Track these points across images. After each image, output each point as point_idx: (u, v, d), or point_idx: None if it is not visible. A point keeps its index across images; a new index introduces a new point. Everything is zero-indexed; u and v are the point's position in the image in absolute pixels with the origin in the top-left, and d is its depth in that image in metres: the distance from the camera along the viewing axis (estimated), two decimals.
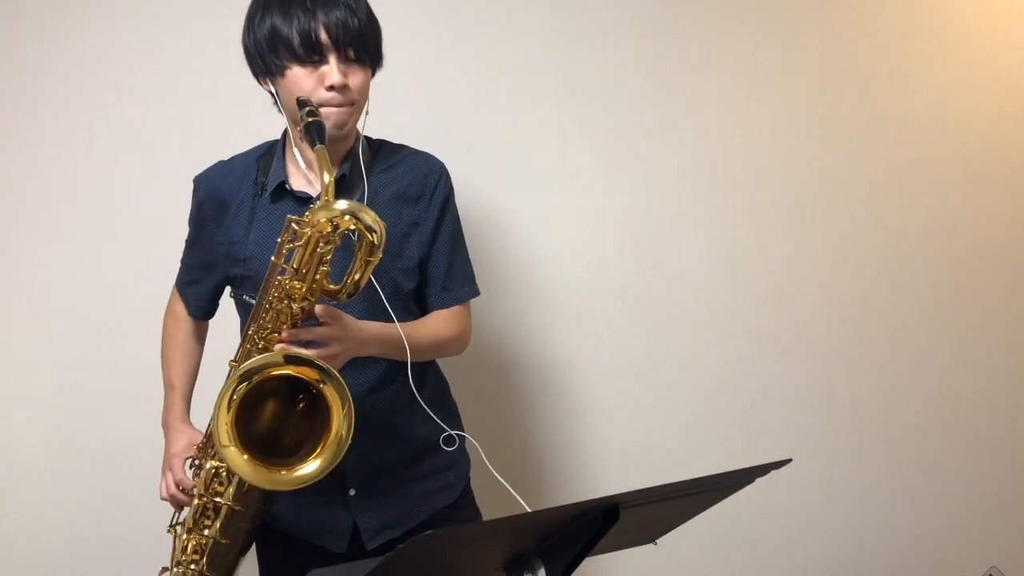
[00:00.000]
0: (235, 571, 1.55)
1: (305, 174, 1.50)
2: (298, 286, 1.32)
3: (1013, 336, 2.48)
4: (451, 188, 1.61)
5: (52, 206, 2.08)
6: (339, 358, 1.38)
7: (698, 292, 2.33)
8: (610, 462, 2.34)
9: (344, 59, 1.41)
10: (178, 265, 2.10)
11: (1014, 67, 2.43)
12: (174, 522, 1.60)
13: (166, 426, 1.65)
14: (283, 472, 1.30)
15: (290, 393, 1.37)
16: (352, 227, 1.27)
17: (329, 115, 1.41)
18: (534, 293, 2.27)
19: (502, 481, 1.57)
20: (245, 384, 1.28)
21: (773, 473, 1.25)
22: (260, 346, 1.38)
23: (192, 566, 1.49)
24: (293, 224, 1.32)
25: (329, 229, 1.27)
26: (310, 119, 1.33)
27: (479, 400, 2.25)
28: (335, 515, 1.56)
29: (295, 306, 1.34)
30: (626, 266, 2.30)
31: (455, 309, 1.61)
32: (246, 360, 1.33)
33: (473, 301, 1.68)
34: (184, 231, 2.09)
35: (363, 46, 1.43)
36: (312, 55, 1.39)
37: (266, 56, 1.42)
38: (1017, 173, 2.45)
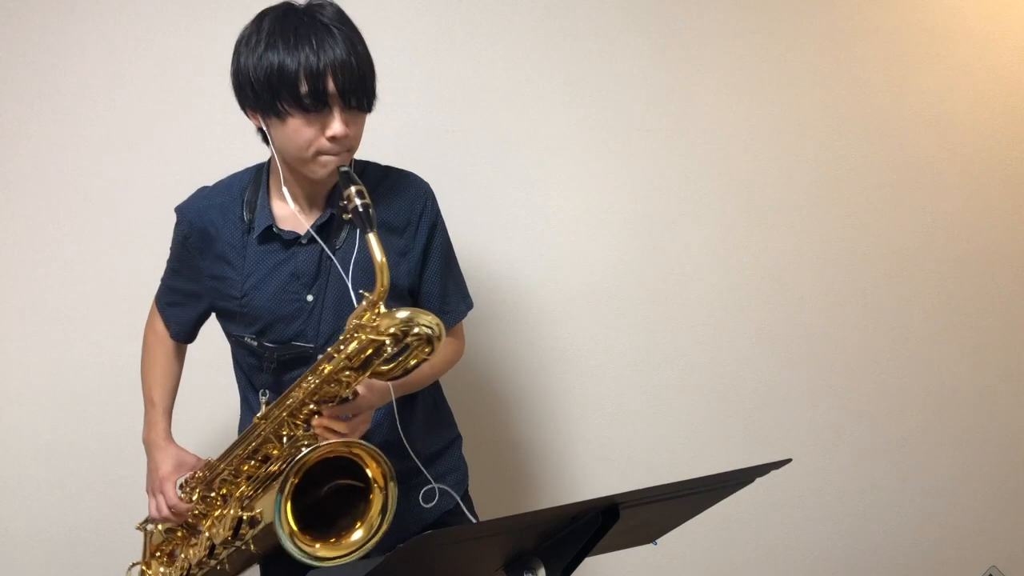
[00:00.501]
0: None
1: (293, 213, 1.47)
2: (349, 375, 1.34)
3: (1013, 336, 2.48)
4: (437, 210, 1.59)
5: (52, 206, 2.08)
6: (369, 418, 1.43)
7: (698, 292, 2.33)
8: (610, 462, 2.34)
9: (346, 108, 1.38)
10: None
11: (1014, 67, 2.43)
12: (145, 521, 1.63)
13: (149, 444, 1.62)
14: (327, 547, 1.35)
15: (330, 467, 1.38)
16: (417, 334, 1.28)
17: (327, 163, 1.39)
18: (533, 293, 2.27)
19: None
20: (300, 472, 1.33)
21: (773, 473, 1.25)
22: (299, 420, 1.39)
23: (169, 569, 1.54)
24: (355, 322, 1.31)
25: (391, 336, 1.28)
26: (360, 203, 1.28)
27: (479, 400, 2.26)
28: None
29: (341, 390, 1.36)
30: (626, 266, 2.30)
31: (454, 329, 1.63)
32: (274, 419, 1.39)
33: (473, 301, 1.68)
34: None
35: (364, 93, 1.39)
36: (318, 106, 1.35)
37: (263, 95, 1.36)
38: (1017, 173, 2.45)
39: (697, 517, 1.36)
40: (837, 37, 2.34)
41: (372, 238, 1.26)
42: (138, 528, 1.67)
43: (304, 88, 1.33)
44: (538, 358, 2.27)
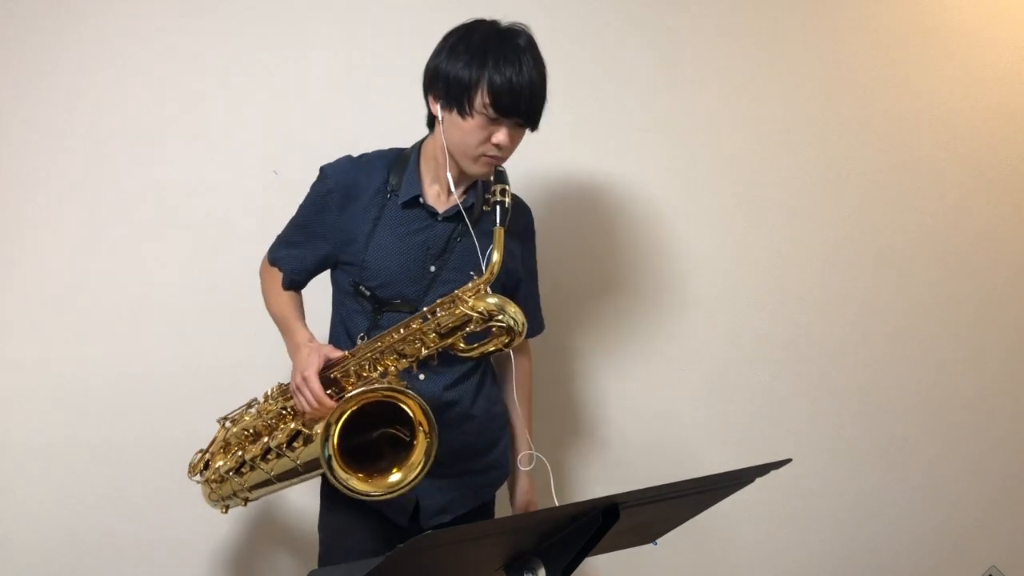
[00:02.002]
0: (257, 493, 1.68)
1: (438, 192, 1.65)
2: (434, 339, 1.52)
3: (1013, 335, 2.48)
4: (535, 233, 1.84)
5: (52, 206, 2.08)
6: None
7: (698, 292, 2.33)
8: (610, 462, 2.34)
9: (517, 124, 1.57)
10: (178, 267, 2.11)
11: (1014, 67, 2.43)
12: (225, 417, 1.75)
13: (293, 348, 1.66)
14: (362, 481, 1.48)
15: (386, 413, 1.51)
16: (501, 321, 1.48)
17: (486, 164, 1.58)
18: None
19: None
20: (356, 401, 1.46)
21: (773, 473, 1.25)
22: (380, 364, 1.54)
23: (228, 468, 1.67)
24: (455, 293, 1.51)
25: (482, 315, 1.48)
26: (501, 200, 1.51)
27: None
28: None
29: (423, 350, 1.53)
30: (625, 266, 2.30)
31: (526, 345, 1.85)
32: (359, 356, 1.54)
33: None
34: (184, 232, 2.10)
35: (537, 116, 1.59)
36: (501, 116, 1.53)
37: (457, 94, 1.54)
38: (1017, 173, 2.46)
39: (697, 517, 1.36)
40: (837, 37, 2.34)
41: (499, 232, 1.48)
42: (217, 422, 1.75)
43: (496, 101, 1.52)
44: (537, 358, 2.27)
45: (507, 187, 1.53)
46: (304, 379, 1.53)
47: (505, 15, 2.20)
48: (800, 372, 2.39)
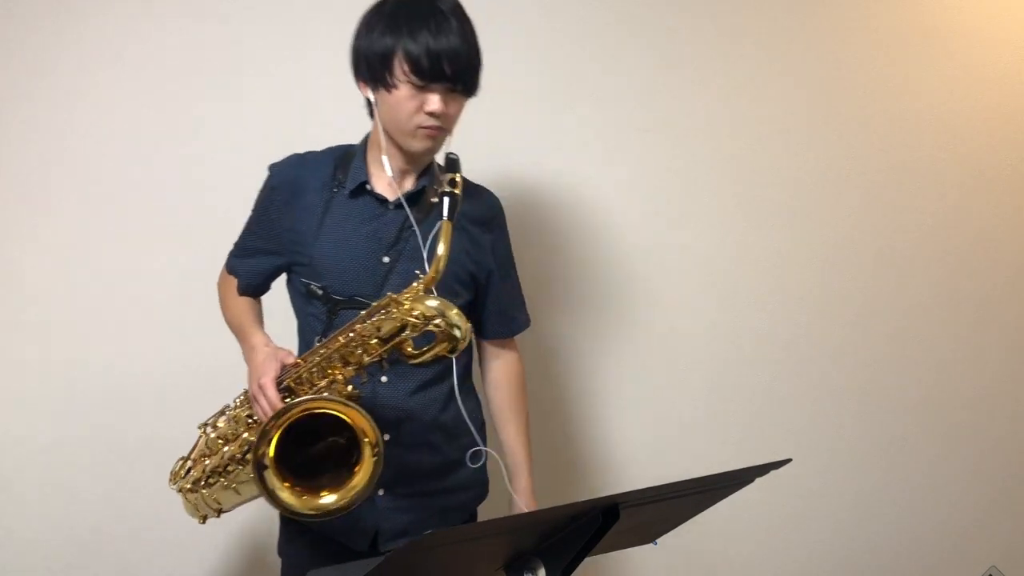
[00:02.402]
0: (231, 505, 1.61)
1: (389, 181, 1.57)
2: (376, 344, 1.42)
3: (1013, 335, 2.48)
4: (506, 224, 1.74)
5: (52, 206, 2.08)
6: None
7: (698, 292, 2.33)
8: (610, 462, 2.34)
9: (449, 90, 1.48)
10: (178, 267, 2.11)
11: (1014, 67, 2.43)
12: (205, 423, 1.66)
13: (249, 353, 1.59)
14: (292, 494, 1.39)
15: (330, 426, 1.41)
16: (439, 326, 1.37)
17: (424, 137, 1.50)
18: (532, 294, 2.26)
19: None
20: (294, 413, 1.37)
21: (773, 473, 1.25)
22: (327, 371, 1.45)
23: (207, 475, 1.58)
24: (391, 296, 1.41)
25: (418, 320, 1.38)
26: (449, 191, 1.40)
27: None
28: (362, 514, 1.56)
29: (365, 357, 1.43)
30: (625, 266, 2.30)
31: (513, 341, 1.78)
32: (308, 364, 1.45)
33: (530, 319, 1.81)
34: (184, 232, 2.11)
35: (469, 79, 1.51)
36: (425, 81, 1.45)
37: (378, 68, 1.48)
38: (1017, 173, 2.46)
39: (697, 517, 1.36)
40: (837, 37, 2.34)
41: (446, 225, 1.37)
42: (198, 428, 1.69)
43: (416, 64, 1.44)
44: (537, 358, 2.27)
45: (456, 176, 1.42)
46: (260, 387, 1.46)
47: (505, 15, 2.19)
48: (800, 372, 2.39)
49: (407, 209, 1.53)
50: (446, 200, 1.39)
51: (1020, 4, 2.42)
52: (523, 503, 1.71)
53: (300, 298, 1.62)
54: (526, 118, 2.22)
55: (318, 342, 1.52)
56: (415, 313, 1.37)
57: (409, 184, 1.58)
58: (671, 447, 2.35)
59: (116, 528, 2.14)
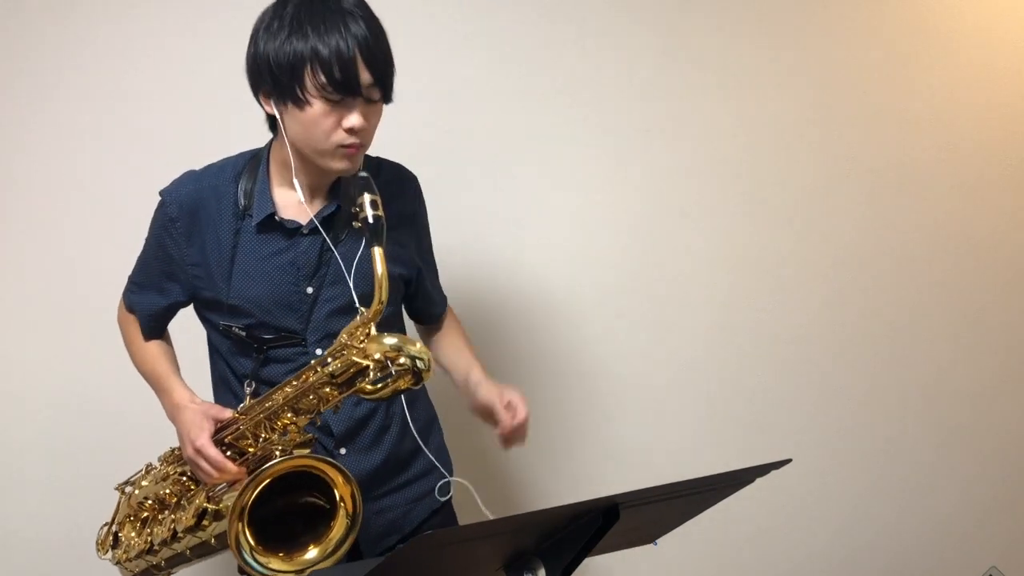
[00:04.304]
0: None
1: (296, 202, 1.42)
2: (331, 392, 1.33)
3: (1013, 335, 2.48)
4: (425, 210, 1.61)
5: (52, 206, 2.08)
6: None
7: (698, 292, 2.33)
8: (610, 462, 2.34)
9: (368, 100, 1.35)
10: None
11: (1014, 67, 2.43)
12: (124, 483, 1.60)
13: (174, 410, 1.49)
14: (277, 559, 1.33)
15: (301, 480, 1.36)
16: (403, 364, 1.26)
17: (345, 156, 1.36)
18: (532, 294, 2.27)
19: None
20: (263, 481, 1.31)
21: (773, 473, 1.25)
22: (276, 424, 1.37)
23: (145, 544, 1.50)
24: (343, 338, 1.30)
25: (379, 361, 1.26)
26: (373, 215, 1.26)
27: None
28: None
29: (322, 405, 1.34)
30: (626, 267, 2.30)
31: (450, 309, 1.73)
32: (253, 417, 1.38)
33: (472, 300, 1.70)
34: None
35: (388, 83, 1.36)
36: (343, 95, 1.31)
37: (283, 81, 1.31)
38: (1017, 173, 2.45)
39: (697, 517, 1.36)
40: (837, 37, 2.34)
41: (378, 252, 1.25)
42: (116, 489, 1.64)
43: (330, 76, 1.28)
44: (537, 358, 2.27)
45: (374, 198, 1.27)
46: (197, 450, 1.37)
47: (505, 15, 2.19)
48: (800, 372, 2.39)
49: (324, 235, 1.41)
50: (370, 227, 1.26)
51: (1020, 4, 2.42)
52: (487, 387, 1.55)
53: (218, 334, 1.50)
54: (526, 118, 2.22)
55: (247, 387, 1.45)
56: (374, 356, 1.26)
57: (319, 202, 1.44)
58: (671, 447, 2.35)
59: None
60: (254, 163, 1.46)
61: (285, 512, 1.37)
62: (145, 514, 1.55)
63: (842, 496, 2.44)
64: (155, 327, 1.59)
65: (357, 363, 1.27)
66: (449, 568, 1.13)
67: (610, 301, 2.30)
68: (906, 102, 2.38)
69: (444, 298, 1.72)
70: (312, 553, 1.34)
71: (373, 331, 1.27)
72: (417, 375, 1.26)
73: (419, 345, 1.27)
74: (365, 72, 1.30)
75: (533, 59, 2.21)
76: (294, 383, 1.35)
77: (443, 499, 1.54)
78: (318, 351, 1.44)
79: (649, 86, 2.27)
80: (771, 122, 2.33)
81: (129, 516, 1.58)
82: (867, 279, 2.40)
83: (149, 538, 1.49)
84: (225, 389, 1.56)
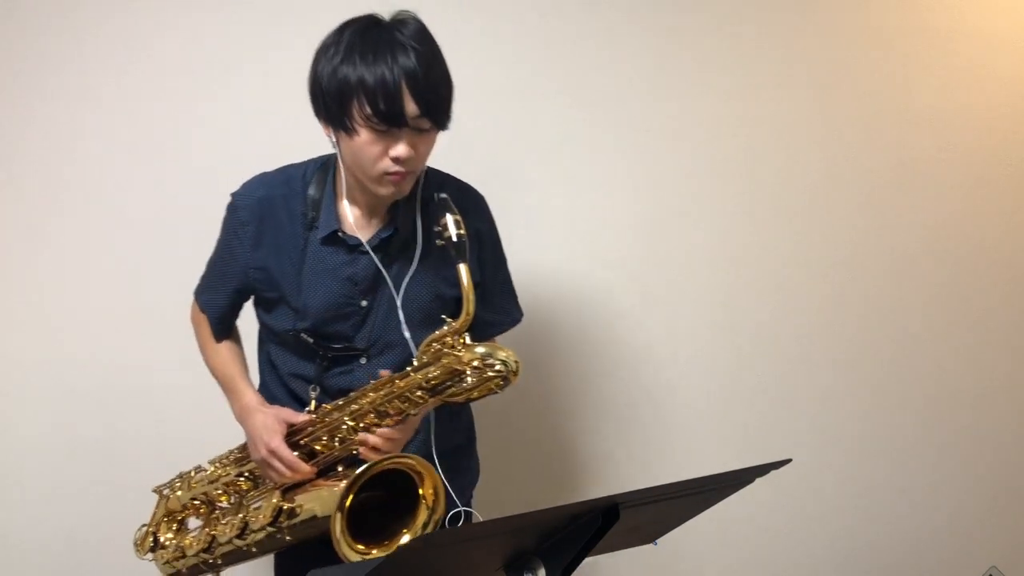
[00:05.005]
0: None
1: (356, 219, 1.50)
2: (422, 396, 1.39)
3: (1013, 336, 2.48)
4: (495, 229, 1.65)
5: (52, 206, 2.08)
6: (408, 438, 1.50)
7: (698, 292, 2.33)
8: (610, 462, 2.34)
9: (416, 130, 1.38)
10: (178, 267, 2.10)
11: (1014, 67, 2.43)
12: (163, 486, 1.65)
13: (245, 413, 1.55)
14: (382, 548, 1.40)
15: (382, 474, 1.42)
16: (498, 369, 1.33)
17: (391, 183, 1.41)
18: (532, 294, 2.26)
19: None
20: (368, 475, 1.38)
21: (773, 473, 1.25)
22: (359, 426, 1.44)
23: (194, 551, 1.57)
24: (444, 338, 1.37)
25: (472, 368, 1.34)
26: (456, 234, 1.34)
27: (478, 401, 2.25)
28: None
29: (409, 408, 1.41)
30: (626, 266, 2.30)
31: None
32: (332, 420, 1.45)
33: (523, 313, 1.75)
34: (184, 232, 2.10)
35: (436, 113, 1.39)
36: (388, 127, 1.35)
37: (334, 108, 1.37)
38: (1017, 173, 2.45)
39: (697, 517, 1.36)
40: (837, 37, 2.34)
41: (463, 269, 1.33)
42: (154, 491, 1.69)
43: (375, 107, 1.33)
44: (537, 358, 2.27)
45: (457, 218, 1.34)
46: (272, 451, 1.44)
47: (505, 15, 2.19)
48: (800, 372, 2.39)
49: (375, 258, 1.48)
50: (453, 246, 1.34)
51: (1020, 4, 2.42)
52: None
53: (273, 334, 1.57)
54: (526, 118, 2.22)
55: (312, 391, 1.52)
56: (472, 363, 1.34)
57: (376, 223, 1.51)
58: (671, 447, 2.35)
59: (116, 528, 2.14)
60: (322, 173, 1.52)
61: (366, 506, 1.43)
62: (189, 513, 1.62)
63: (842, 496, 2.44)
64: (223, 327, 1.65)
65: (456, 369, 1.35)
66: (449, 568, 1.13)
67: (609, 301, 2.30)
68: (906, 102, 2.38)
69: (498, 322, 1.67)
70: (405, 538, 1.41)
71: (468, 339, 1.35)
72: (505, 379, 1.34)
73: (507, 352, 1.34)
74: (411, 104, 1.34)
75: (533, 59, 2.21)
76: (382, 389, 1.41)
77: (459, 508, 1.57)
78: (362, 360, 1.53)
79: (650, 86, 2.27)
80: (771, 122, 2.33)
81: (169, 516, 1.65)
82: (867, 279, 2.40)
83: (212, 534, 1.54)
84: (282, 391, 1.61)
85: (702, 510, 1.34)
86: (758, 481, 1.27)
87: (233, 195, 1.55)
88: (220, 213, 2.09)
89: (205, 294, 1.64)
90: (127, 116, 2.08)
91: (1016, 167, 2.45)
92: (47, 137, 2.07)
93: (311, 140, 2.05)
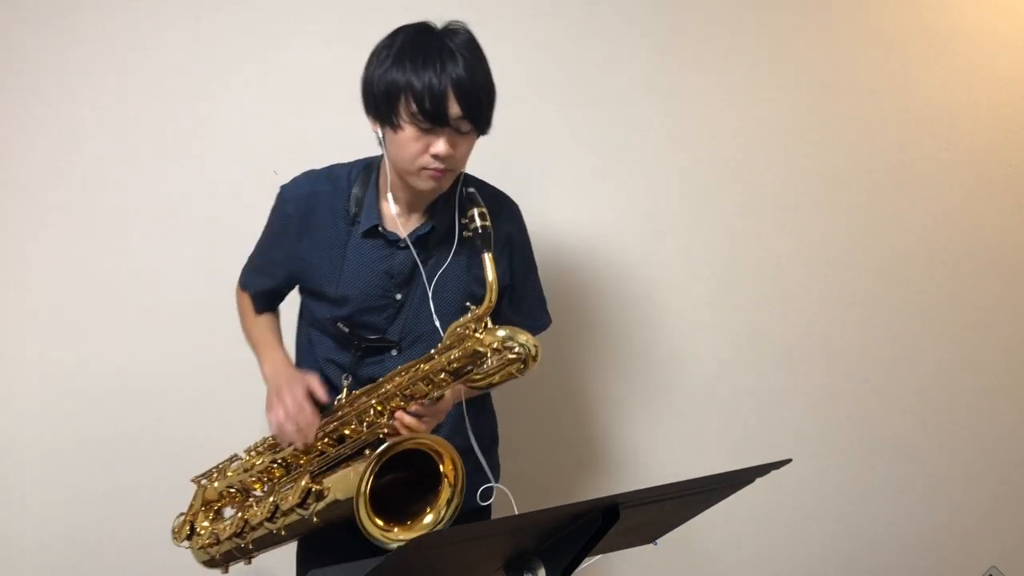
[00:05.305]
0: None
1: (395, 216, 1.58)
2: (444, 379, 1.45)
3: (1012, 336, 2.48)
4: (525, 234, 1.73)
5: (52, 206, 2.08)
6: (440, 420, 1.57)
7: (698, 292, 2.33)
8: (610, 462, 2.34)
9: (456, 131, 1.47)
10: (178, 267, 2.11)
11: (1014, 67, 2.43)
12: (201, 475, 1.70)
13: (276, 368, 1.64)
14: (398, 530, 1.45)
15: (404, 455, 1.47)
16: (517, 352, 1.40)
17: (430, 178, 1.50)
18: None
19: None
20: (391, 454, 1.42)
21: (773, 473, 1.25)
22: (386, 409, 1.50)
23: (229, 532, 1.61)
24: (467, 324, 1.44)
25: (492, 350, 1.41)
26: (481, 225, 1.42)
27: None
28: None
29: (432, 390, 1.47)
30: (626, 266, 2.30)
31: None
32: (360, 405, 1.51)
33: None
34: (184, 231, 2.11)
35: (476, 118, 1.48)
36: (431, 124, 1.44)
37: (382, 106, 1.47)
38: (1017, 173, 2.45)
39: (697, 517, 1.36)
40: (837, 37, 2.34)
41: (487, 258, 1.41)
42: (192, 481, 1.71)
43: (421, 107, 1.42)
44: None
45: (482, 210, 1.43)
46: (292, 400, 1.52)
47: (505, 15, 2.19)
48: (800, 372, 2.39)
49: (413, 251, 1.56)
50: (480, 236, 1.42)
51: (1020, 4, 2.42)
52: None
53: (312, 321, 1.66)
54: (525, 118, 2.22)
55: (345, 380, 1.58)
56: (493, 345, 1.40)
57: (416, 219, 1.60)
58: (671, 447, 2.35)
59: (116, 528, 2.14)
60: (366, 173, 1.62)
61: (389, 487, 1.47)
62: (225, 502, 1.67)
63: (842, 496, 2.44)
64: (265, 305, 1.74)
65: (478, 351, 1.41)
66: (449, 568, 1.13)
67: (609, 301, 2.30)
68: (906, 102, 2.38)
69: (527, 326, 1.67)
70: (429, 518, 1.46)
71: (490, 323, 1.42)
72: (524, 362, 1.41)
73: (527, 336, 1.42)
74: (455, 106, 1.44)
75: (532, 59, 2.21)
76: (405, 373, 1.48)
77: (483, 504, 1.60)
78: (394, 352, 1.60)
79: (649, 87, 2.27)
80: (771, 122, 2.33)
81: (205, 505, 1.69)
82: (867, 279, 2.40)
83: (244, 519, 1.59)
84: (309, 368, 1.67)
85: (702, 510, 1.34)
86: (758, 481, 1.27)
87: (282, 188, 1.65)
88: (220, 213, 2.11)
89: (248, 274, 1.74)
90: (127, 116, 2.08)
91: (1016, 167, 2.45)
92: (47, 137, 2.07)
93: (311, 140, 2.06)
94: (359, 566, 1.33)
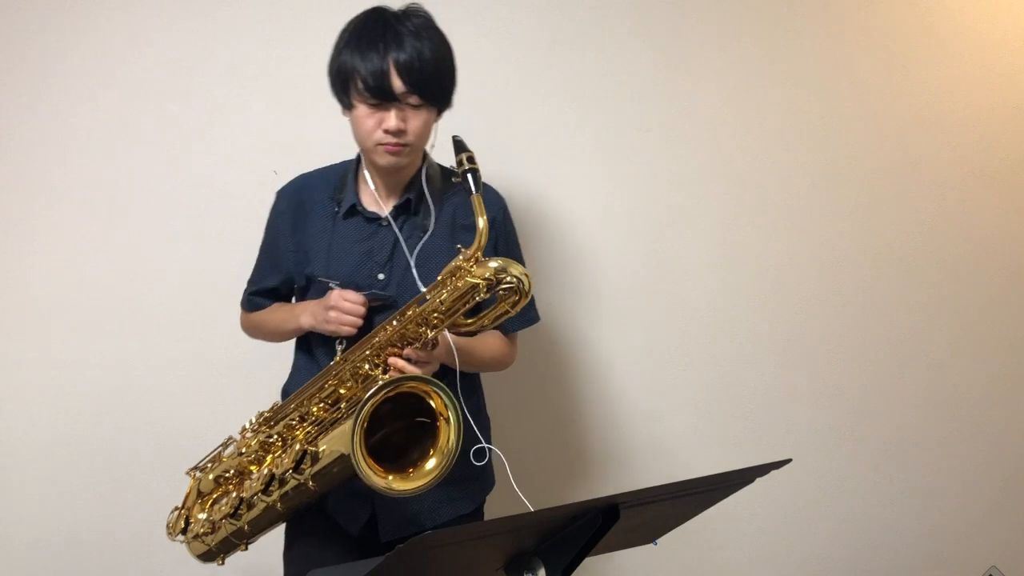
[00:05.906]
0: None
1: (374, 195, 1.64)
2: (438, 317, 1.48)
3: (1012, 335, 2.48)
4: (509, 221, 1.75)
5: (52, 206, 2.08)
6: (435, 368, 1.57)
7: (698, 292, 2.33)
8: (610, 462, 2.34)
9: (407, 105, 1.53)
10: (178, 267, 2.11)
11: (1014, 67, 2.43)
12: (195, 467, 1.68)
13: (305, 305, 1.66)
14: (402, 478, 1.42)
15: (394, 408, 1.45)
16: (508, 283, 1.44)
17: (386, 153, 1.56)
18: (533, 294, 2.26)
19: (523, 499, 1.62)
20: (381, 396, 1.39)
21: (773, 473, 1.25)
22: (378, 359, 1.51)
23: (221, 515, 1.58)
24: (458, 263, 1.46)
25: (485, 280, 1.44)
26: (471, 167, 1.48)
27: None
28: (358, 502, 1.62)
29: (423, 330, 1.49)
30: (626, 266, 2.30)
31: (512, 336, 1.76)
32: (353, 359, 1.51)
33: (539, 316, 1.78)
34: (184, 232, 2.11)
35: (427, 92, 1.53)
36: (378, 100, 1.51)
37: (337, 87, 1.57)
38: (1017, 173, 2.45)
39: (697, 517, 1.36)
40: (837, 37, 2.34)
41: (478, 199, 1.46)
42: (187, 473, 1.70)
43: (366, 84, 1.50)
44: (537, 359, 2.27)
45: (470, 154, 1.49)
46: (342, 295, 1.53)
47: (504, 15, 2.19)
48: (800, 372, 2.39)
49: (394, 226, 1.61)
50: (470, 176, 1.47)
51: (1020, 4, 2.42)
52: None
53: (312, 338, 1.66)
54: (525, 117, 2.22)
55: (339, 344, 1.57)
56: (485, 276, 1.43)
57: (394, 200, 1.64)
58: (671, 447, 2.35)
59: (116, 527, 2.14)
60: (356, 164, 1.68)
61: (390, 439, 1.46)
62: (221, 490, 1.63)
63: (842, 496, 2.44)
64: (261, 303, 1.78)
65: (472, 284, 1.43)
66: (449, 568, 1.13)
67: (609, 301, 2.30)
68: (906, 102, 2.38)
69: (528, 317, 1.75)
70: (432, 462, 1.43)
71: (481, 257, 1.45)
72: (518, 293, 1.45)
73: (520, 267, 1.46)
74: (397, 81, 1.50)
75: (532, 59, 2.21)
76: (396, 320, 1.50)
77: (478, 464, 1.61)
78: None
79: (649, 87, 2.27)
80: (771, 122, 2.33)
81: (200, 498, 1.67)
82: (867, 279, 2.40)
83: (239, 496, 1.56)
84: (308, 363, 1.70)
85: (702, 510, 1.34)
86: (758, 481, 1.27)
87: (277, 192, 1.72)
88: (220, 213, 2.11)
89: (252, 295, 1.76)
90: (127, 116, 2.08)
91: (1016, 167, 2.45)
92: (47, 137, 2.07)
93: (311, 140, 2.06)
94: (359, 566, 1.33)
